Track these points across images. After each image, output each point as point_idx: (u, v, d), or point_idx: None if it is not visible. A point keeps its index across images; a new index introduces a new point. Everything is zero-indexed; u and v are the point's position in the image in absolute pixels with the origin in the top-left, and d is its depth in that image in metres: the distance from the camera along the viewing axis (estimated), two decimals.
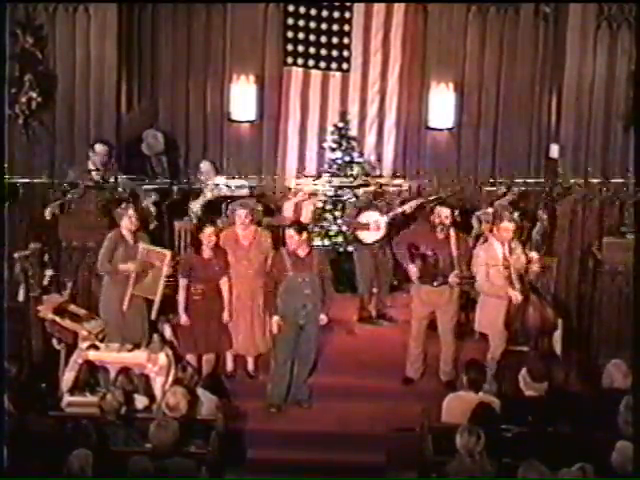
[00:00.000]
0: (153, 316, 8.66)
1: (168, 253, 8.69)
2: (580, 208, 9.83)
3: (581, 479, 6.10)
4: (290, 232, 8.51)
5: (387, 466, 8.06)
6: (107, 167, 9.61)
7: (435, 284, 8.75)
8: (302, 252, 8.51)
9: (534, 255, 8.61)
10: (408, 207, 9.95)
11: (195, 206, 10.26)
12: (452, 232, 8.78)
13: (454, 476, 6.40)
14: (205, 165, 10.56)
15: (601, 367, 7.71)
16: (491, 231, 8.87)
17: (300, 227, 8.64)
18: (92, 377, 7.97)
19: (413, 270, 8.77)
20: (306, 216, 10.98)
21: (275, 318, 8.51)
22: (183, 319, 8.64)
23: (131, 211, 8.69)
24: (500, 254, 8.51)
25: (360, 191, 10.45)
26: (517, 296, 8.38)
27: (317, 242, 10.91)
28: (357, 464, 8.06)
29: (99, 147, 9.56)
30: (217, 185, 10.35)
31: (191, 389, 7.48)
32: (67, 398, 7.83)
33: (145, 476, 6.34)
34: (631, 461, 6.06)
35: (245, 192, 10.40)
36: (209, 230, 8.64)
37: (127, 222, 8.63)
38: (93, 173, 9.51)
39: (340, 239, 11.00)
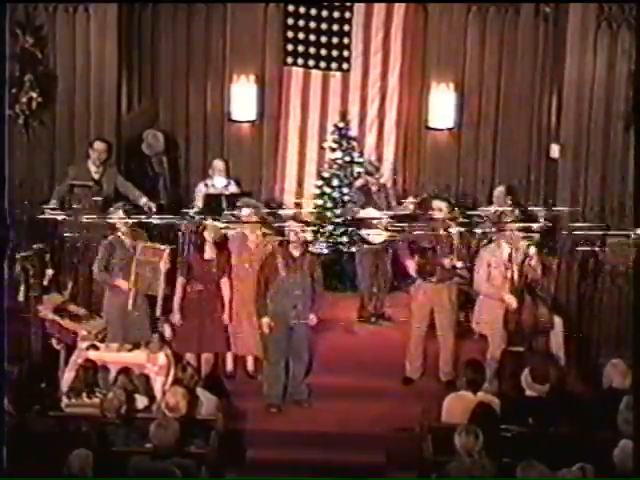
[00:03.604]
0: (158, 313, 8.66)
1: (166, 249, 8.69)
2: (580, 208, 9.84)
3: (581, 479, 6.10)
4: (294, 225, 8.55)
5: (387, 466, 8.07)
6: (106, 165, 9.61)
7: (434, 279, 8.76)
8: (297, 252, 8.53)
9: (531, 251, 8.60)
10: (406, 207, 9.95)
11: (196, 205, 10.34)
12: (451, 226, 8.81)
13: (454, 476, 6.40)
14: (218, 164, 10.59)
15: (601, 367, 7.71)
16: (498, 231, 8.90)
17: (303, 222, 8.74)
18: (92, 378, 7.94)
19: (411, 264, 8.81)
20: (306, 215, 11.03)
21: (265, 319, 8.52)
22: (176, 318, 8.65)
23: (121, 212, 8.68)
24: (506, 254, 8.52)
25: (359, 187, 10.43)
26: (513, 302, 8.38)
27: (318, 242, 10.95)
28: (357, 464, 8.06)
29: (98, 144, 9.57)
30: (207, 185, 10.41)
31: (191, 389, 7.49)
32: (65, 401, 7.82)
33: (145, 476, 6.34)
34: (631, 460, 6.06)
35: (235, 190, 10.44)
36: (210, 227, 8.68)
37: (118, 223, 8.63)
38: (92, 171, 9.52)
39: (344, 239, 10.99)
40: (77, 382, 7.89)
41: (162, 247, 8.70)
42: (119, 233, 8.65)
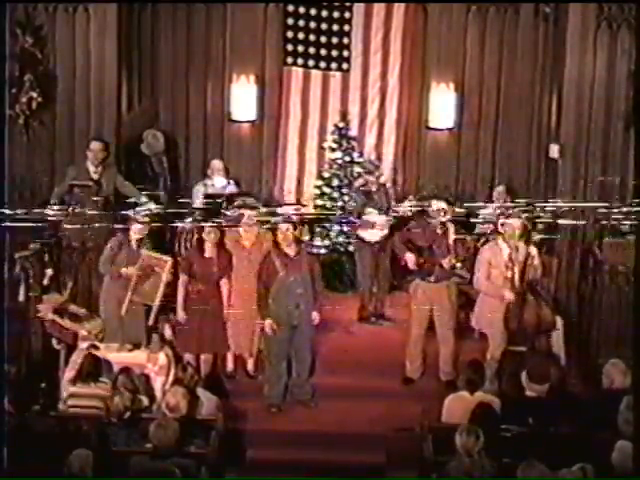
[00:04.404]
0: (151, 322, 8.65)
1: (169, 260, 8.66)
2: (580, 208, 9.85)
3: (581, 479, 6.10)
4: (284, 226, 8.55)
5: (387, 466, 8.07)
6: (105, 165, 9.62)
7: (432, 279, 8.76)
8: (292, 252, 8.53)
9: (533, 251, 8.60)
10: (405, 207, 9.96)
11: (196, 204, 10.37)
12: (449, 226, 8.82)
13: (454, 476, 6.40)
14: (217, 164, 10.60)
15: (601, 367, 7.71)
16: (496, 229, 8.91)
17: (294, 223, 8.73)
18: (96, 368, 7.93)
19: (411, 258, 8.79)
20: (306, 215, 11.04)
21: (267, 321, 8.51)
22: (180, 316, 8.65)
23: (141, 217, 8.70)
24: (506, 254, 8.51)
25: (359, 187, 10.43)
26: (510, 295, 8.39)
27: (318, 242, 10.96)
28: (357, 464, 8.07)
29: (94, 144, 9.58)
30: (205, 185, 10.43)
31: (191, 389, 7.48)
32: (69, 389, 7.81)
33: (145, 476, 6.34)
34: (630, 460, 6.06)
35: (234, 190, 10.45)
36: (210, 227, 8.69)
37: (137, 227, 8.64)
38: (91, 172, 9.53)
39: (341, 239, 11.00)
40: (83, 370, 7.89)
41: (165, 258, 8.67)
42: (131, 234, 8.64)
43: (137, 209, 8.96)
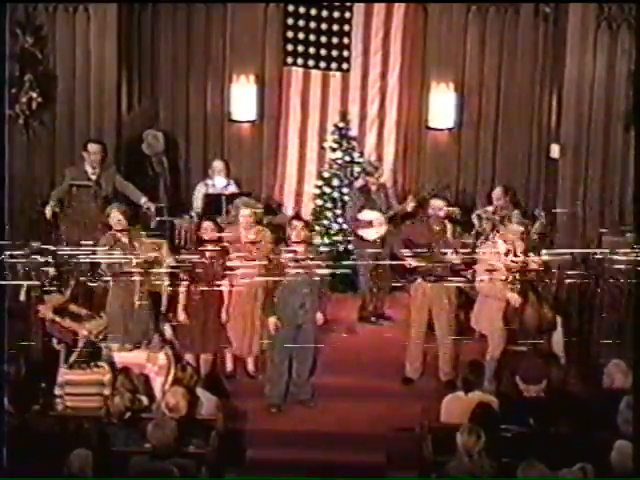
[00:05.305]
0: (163, 308, 8.65)
1: (164, 242, 8.68)
2: (580, 208, 9.85)
3: (581, 479, 6.10)
4: (295, 223, 8.56)
5: (387, 466, 8.07)
6: (103, 165, 9.61)
7: (432, 279, 8.76)
8: (301, 250, 8.53)
9: (540, 250, 8.61)
10: (407, 206, 9.96)
11: (196, 203, 10.36)
12: (448, 225, 8.83)
13: (454, 476, 6.41)
14: (218, 164, 10.61)
15: (602, 367, 7.72)
16: (497, 231, 8.90)
17: (303, 220, 8.77)
18: (94, 352, 7.94)
19: (410, 260, 8.79)
20: (306, 215, 11.03)
21: (272, 319, 8.51)
22: (182, 318, 8.64)
23: (114, 212, 8.65)
24: (508, 254, 8.51)
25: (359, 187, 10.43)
26: (516, 299, 8.37)
27: (317, 241, 10.94)
28: (357, 464, 8.07)
29: (90, 146, 9.57)
30: (206, 185, 10.43)
31: (191, 389, 7.49)
32: (66, 376, 7.80)
33: (145, 476, 6.34)
34: (630, 460, 6.06)
35: (234, 190, 10.46)
36: (207, 224, 8.68)
37: (114, 223, 8.63)
38: (89, 172, 9.52)
39: (341, 238, 10.99)
40: (81, 353, 7.89)
41: (160, 240, 8.71)
42: (117, 233, 8.64)
43: (111, 205, 8.92)
